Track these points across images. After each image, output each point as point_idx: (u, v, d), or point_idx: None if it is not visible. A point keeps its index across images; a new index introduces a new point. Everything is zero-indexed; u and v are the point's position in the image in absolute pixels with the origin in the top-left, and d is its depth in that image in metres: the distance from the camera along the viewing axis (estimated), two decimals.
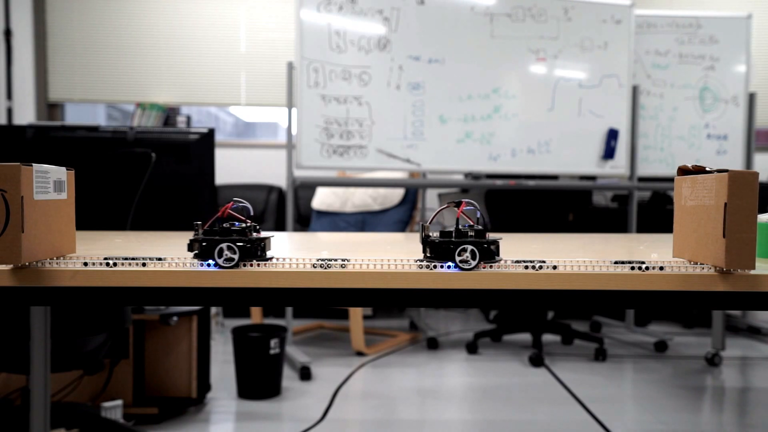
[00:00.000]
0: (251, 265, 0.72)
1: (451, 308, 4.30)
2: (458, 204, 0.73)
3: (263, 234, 0.77)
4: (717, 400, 2.47)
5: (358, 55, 3.02)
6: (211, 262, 0.71)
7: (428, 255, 0.73)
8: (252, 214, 0.76)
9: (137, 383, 2.20)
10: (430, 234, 0.74)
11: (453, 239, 0.71)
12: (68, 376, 2.12)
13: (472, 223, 0.73)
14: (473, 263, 0.70)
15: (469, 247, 0.70)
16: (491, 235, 0.76)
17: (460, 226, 0.72)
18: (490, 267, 0.71)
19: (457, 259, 0.70)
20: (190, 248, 0.72)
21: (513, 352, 3.17)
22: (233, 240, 0.71)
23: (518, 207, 3.83)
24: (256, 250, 0.73)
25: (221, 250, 0.71)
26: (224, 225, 0.73)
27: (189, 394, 2.28)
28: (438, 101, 3.13)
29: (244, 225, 0.73)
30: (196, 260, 0.72)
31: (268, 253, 0.76)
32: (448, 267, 0.71)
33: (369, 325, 3.72)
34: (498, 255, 0.73)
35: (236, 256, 0.71)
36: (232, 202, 0.75)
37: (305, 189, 4.26)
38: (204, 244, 0.72)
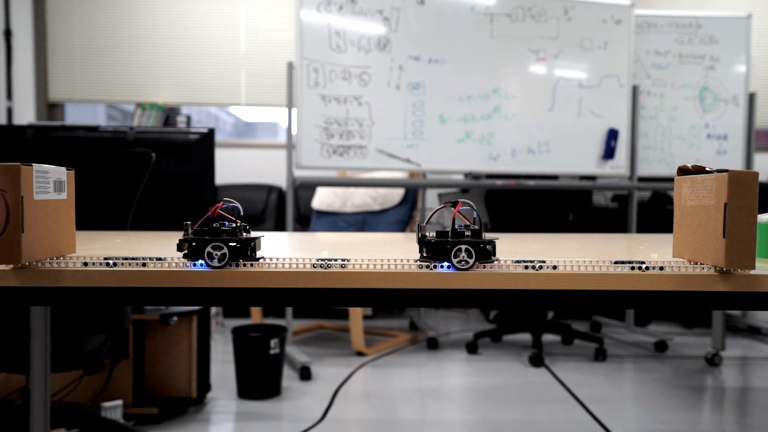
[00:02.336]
0: (250, 265, 0.71)
1: (451, 308, 4.29)
2: (455, 204, 0.73)
3: (253, 234, 0.77)
4: (717, 400, 2.47)
5: (358, 55, 3.02)
6: (201, 262, 0.71)
7: (425, 255, 0.73)
8: (242, 214, 0.76)
9: (137, 383, 2.20)
10: (427, 234, 0.74)
11: (449, 239, 0.71)
12: (68, 376, 2.12)
13: (468, 223, 0.73)
14: (470, 263, 0.70)
15: (464, 247, 0.70)
16: (488, 235, 0.76)
17: (456, 226, 0.72)
18: (485, 267, 0.71)
19: (453, 259, 0.70)
20: (180, 248, 0.72)
21: (513, 352, 3.17)
22: (223, 240, 0.71)
23: (518, 207, 3.82)
24: (246, 250, 0.72)
25: (213, 248, 0.70)
26: (214, 225, 0.73)
27: (189, 394, 2.27)
28: (438, 101, 3.13)
29: (234, 225, 0.73)
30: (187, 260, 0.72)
31: (258, 254, 0.76)
32: (448, 267, 0.71)
33: (369, 325, 3.72)
34: (494, 255, 0.73)
35: (225, 256, 0.70)
36: (222, 202, 0.75)
37: (305, 189, 4.26)
38: (194, 244, 0.71)
